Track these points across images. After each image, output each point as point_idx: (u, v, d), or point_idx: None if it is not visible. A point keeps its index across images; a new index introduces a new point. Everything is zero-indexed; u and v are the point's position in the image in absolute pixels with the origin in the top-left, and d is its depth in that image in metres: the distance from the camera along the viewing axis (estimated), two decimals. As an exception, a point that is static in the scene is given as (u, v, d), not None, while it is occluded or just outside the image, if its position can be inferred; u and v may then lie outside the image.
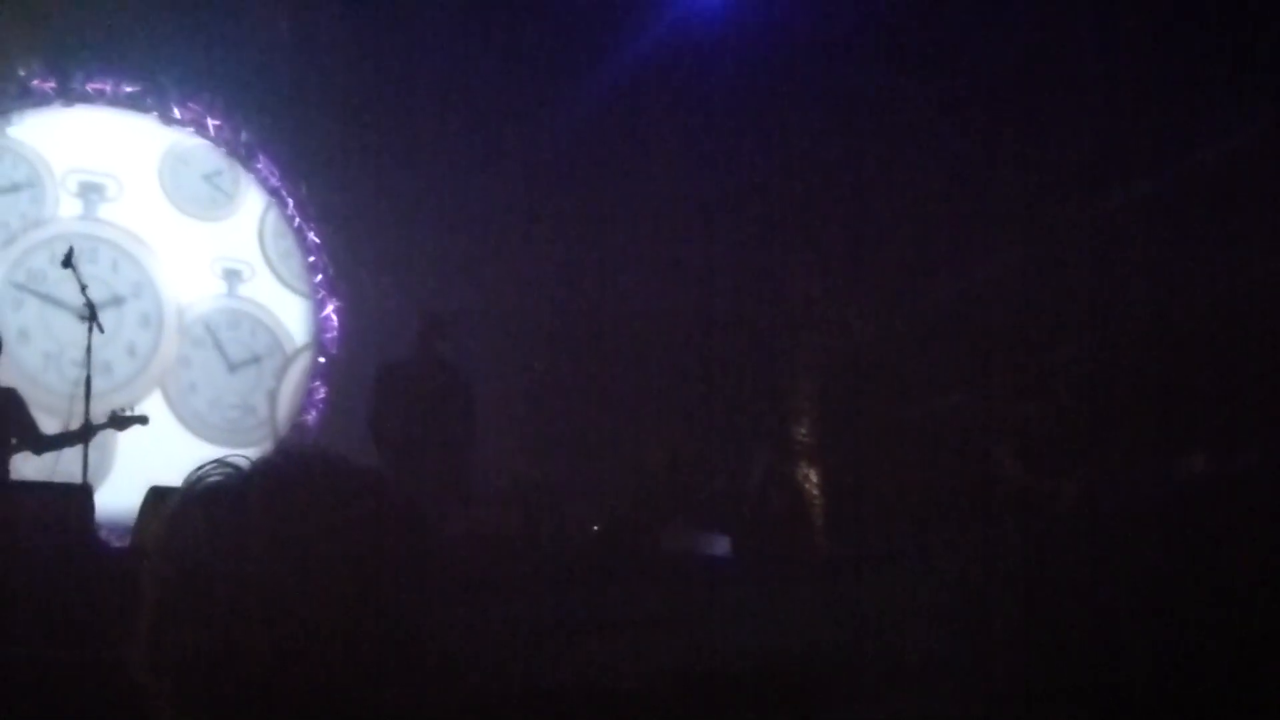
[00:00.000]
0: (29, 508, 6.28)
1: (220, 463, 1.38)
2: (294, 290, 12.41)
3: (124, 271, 11.44)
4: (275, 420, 11.89)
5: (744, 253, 12.56)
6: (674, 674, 5.07)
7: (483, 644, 4.89)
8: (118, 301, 11.12)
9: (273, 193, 12.44)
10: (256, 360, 11.98)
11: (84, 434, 7.72)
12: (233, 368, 11.79)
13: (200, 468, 1.39)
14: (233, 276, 12.13)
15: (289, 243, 12.46)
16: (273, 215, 12.43)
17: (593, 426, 11.86)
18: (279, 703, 1.28)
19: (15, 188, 11.27)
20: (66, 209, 11.41)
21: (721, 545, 8.11)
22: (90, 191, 11.54)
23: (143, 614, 1.32)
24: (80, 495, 6.74)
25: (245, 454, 1.40)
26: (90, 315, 7.87)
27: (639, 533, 8.39)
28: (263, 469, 1.38)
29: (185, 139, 12.07)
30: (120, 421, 7.96)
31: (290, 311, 12.39)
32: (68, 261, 7.92)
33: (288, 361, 12.22)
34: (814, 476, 12.09)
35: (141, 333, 11.32)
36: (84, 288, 7.94)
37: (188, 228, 12.00)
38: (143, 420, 8.10)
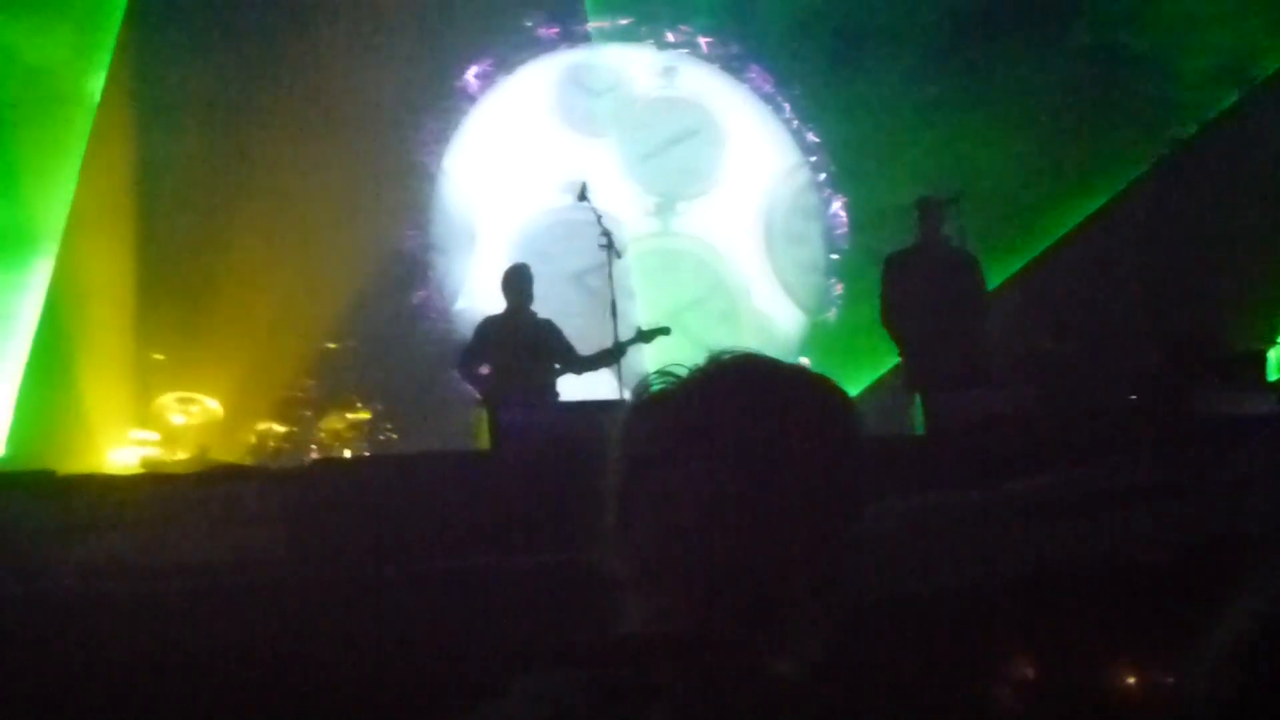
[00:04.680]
0: (575, 423, 6.86)
1: (661, 372, 1.53)
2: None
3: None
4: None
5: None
6: (1206, 541, 4.87)
7: (998, 521, 4.92)
8: None
9: (767, 99, 12.77)
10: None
11: (615, 352, 8.33)
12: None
13: (645, 378, 1.55)
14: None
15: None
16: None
17: (1106, 294, 11.39)
18: (731, 585, 1.42)
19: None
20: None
21: (1258, 402, 7.56)
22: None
23: (607, 510, 1.50)
24: (617, 410, 7.26)
25: (683, 364, 1.54)
26: (608, 243, 8.43)
27: (1170, 397, 7.98)
28: (699, 376, 1.51)
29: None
30: (646, 335, 8.49)
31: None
32: (583, 195, 8.53)
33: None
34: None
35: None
36: (599, 218, 8.52)
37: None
38: (665, 331, 8.55)
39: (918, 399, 7.80)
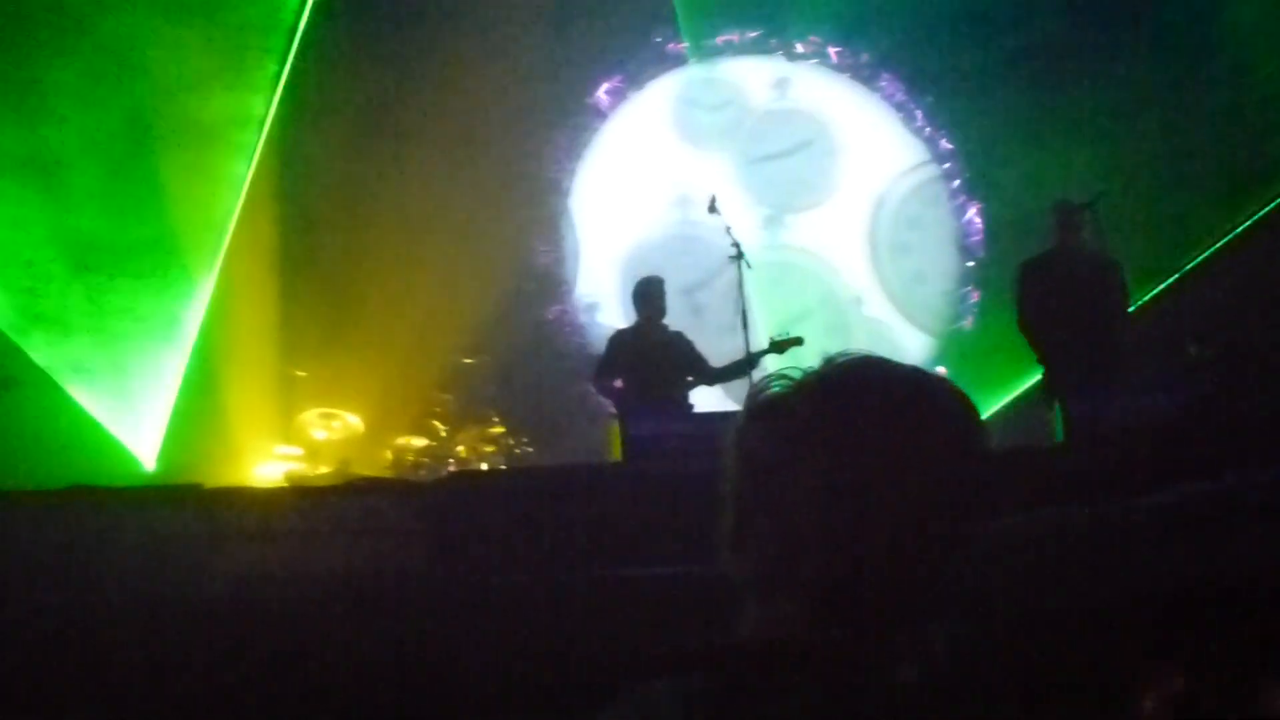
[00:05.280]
0: (705, 434, 6.87)
1: (778, 375, 1.53)
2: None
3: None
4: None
5: None
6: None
7: (1139, 534, 4.80)
8: None
9: (899, 107, 12.64)
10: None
11: (748, 363, 8.32)
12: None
13: (760, 380, 1.54)
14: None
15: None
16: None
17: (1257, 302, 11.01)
18: (847, 591, 1.41)
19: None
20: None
21: None
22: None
23: (724, 512, 1.50)
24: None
25: (799, 367, 1.52)
26: (738, 254, 8.44)
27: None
28: (815, 379, 1.50)
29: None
30: (778, 345, 8.43)
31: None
32: (713, 207, 8.57)
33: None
34: None
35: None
36: (728, 229, 8.54)
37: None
38: (798, 342, 8.50)
39: (1057, 407, 7.62)
